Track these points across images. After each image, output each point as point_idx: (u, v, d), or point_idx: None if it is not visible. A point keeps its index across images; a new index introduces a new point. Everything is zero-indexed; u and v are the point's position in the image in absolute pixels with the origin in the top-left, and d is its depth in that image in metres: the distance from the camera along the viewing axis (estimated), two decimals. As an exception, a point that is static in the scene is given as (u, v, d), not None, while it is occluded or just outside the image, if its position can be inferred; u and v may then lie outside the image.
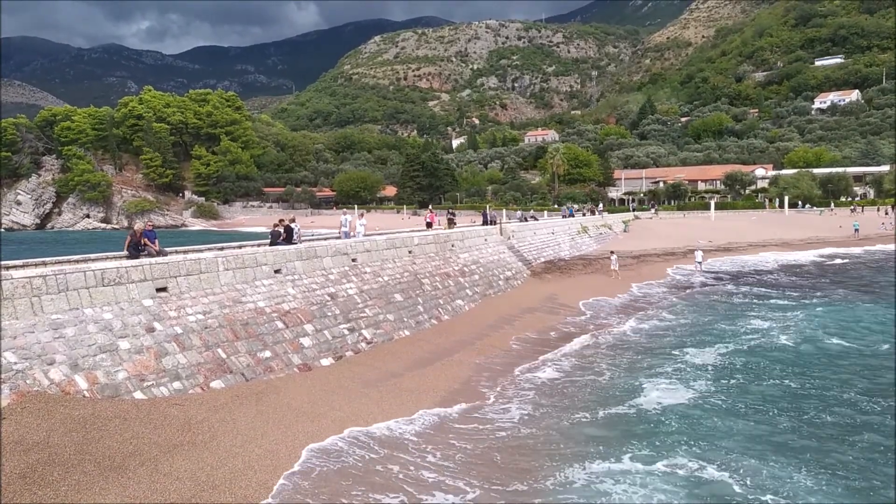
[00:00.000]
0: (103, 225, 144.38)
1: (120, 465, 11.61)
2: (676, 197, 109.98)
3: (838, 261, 50.13)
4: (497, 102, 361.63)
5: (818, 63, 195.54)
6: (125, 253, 20.38)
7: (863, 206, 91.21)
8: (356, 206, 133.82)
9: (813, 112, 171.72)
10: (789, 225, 71.55)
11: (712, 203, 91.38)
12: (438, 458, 13.88)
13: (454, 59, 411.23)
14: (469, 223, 58.15)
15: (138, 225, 21.33)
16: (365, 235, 31.34)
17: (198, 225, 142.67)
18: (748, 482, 12.56)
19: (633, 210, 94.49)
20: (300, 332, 20.06)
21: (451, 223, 42.09)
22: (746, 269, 46.65)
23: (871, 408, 16.79)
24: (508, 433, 15.48)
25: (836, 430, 15.37)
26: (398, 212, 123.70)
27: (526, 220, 59.67)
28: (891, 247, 55.60)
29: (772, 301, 33.13)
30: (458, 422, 16.32)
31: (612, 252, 44.74)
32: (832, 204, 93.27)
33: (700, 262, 44.41)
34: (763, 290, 36.92)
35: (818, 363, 21.34)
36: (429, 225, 40.85)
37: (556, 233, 51.38)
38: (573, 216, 69.60)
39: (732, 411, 16.75)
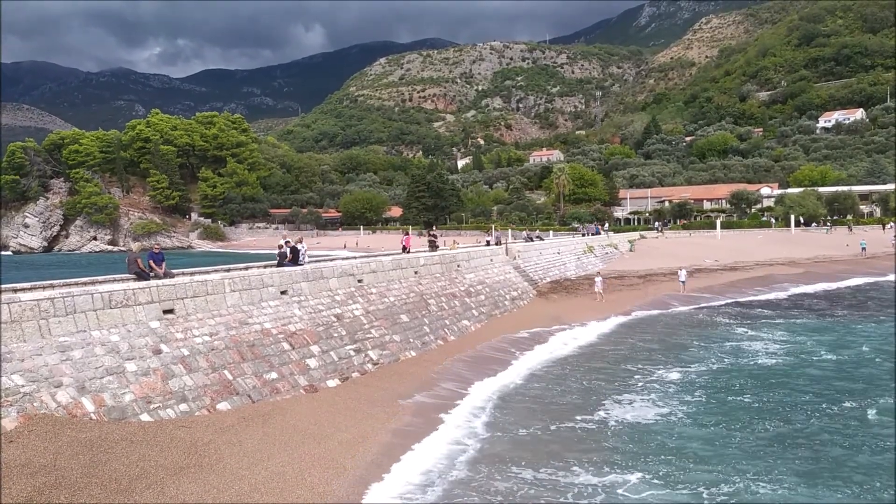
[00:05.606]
0: (110, 247, 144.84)
1: (127, 487, 11.60)
2: (682, 216, 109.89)
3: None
4: (502, 123, 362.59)
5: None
6: (131, 275, 20.48)
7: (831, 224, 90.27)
8: (361, 227, 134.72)
9: (818, 131, 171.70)
10: (796, 243, 71.29)
11: (718, 222, 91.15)
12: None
13: (459, 81, 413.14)
14: (474, 243, 58.25)
15: (135, 246, 21.45)
16: (309, 260, 27.34)
17: (204, 246, 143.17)
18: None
19: (661, 229, 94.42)
20: (306, 353, 20.06)
21: (432, 246, 38.56)
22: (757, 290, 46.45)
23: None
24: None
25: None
26: (406, 233, 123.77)
27: (532, 239, 59.74)
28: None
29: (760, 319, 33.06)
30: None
31: (597, 273, 44.09)
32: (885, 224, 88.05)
33: (684, 282, 43.56)
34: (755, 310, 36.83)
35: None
36: (404, 248, 36.00)
37: (561, 253, 51.35)
38: (598, 234, 69.58)
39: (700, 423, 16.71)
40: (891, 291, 43.72)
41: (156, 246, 24.55)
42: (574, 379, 22.42)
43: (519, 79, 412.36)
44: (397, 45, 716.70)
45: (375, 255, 33.77)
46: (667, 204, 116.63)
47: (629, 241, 69.78)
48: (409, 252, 35.02)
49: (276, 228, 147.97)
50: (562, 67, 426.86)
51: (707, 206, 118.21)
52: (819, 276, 51.02)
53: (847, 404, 18.79)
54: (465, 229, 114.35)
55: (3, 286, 17.46)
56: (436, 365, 23.11)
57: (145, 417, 14.49)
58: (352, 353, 21.64)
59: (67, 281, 19.97)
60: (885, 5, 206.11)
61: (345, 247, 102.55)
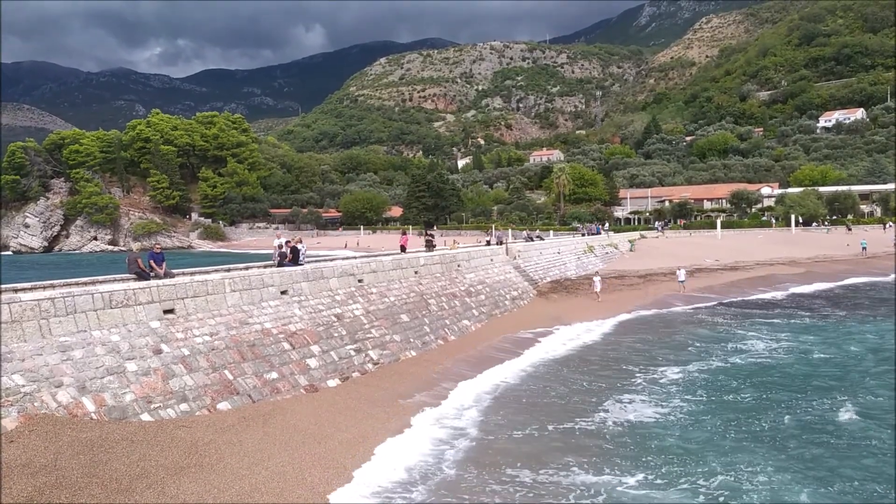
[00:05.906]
0: (111, 247, 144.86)
1: (127, 487, 11.60)
2: (682, 216, 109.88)
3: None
4: (502, 123, 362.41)
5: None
6: (132, 275, 20.48)
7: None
8: (361, 227, 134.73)
9: (818, 130, 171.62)
10: (796, 243, 71.29)
11: (718, 222, 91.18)
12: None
13: (459, 80, 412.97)
14: (474, 243, 58.25)
15: (135, 245, 21.49)
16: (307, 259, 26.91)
17: (204, 246, 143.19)
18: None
19: (661, 229, 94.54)
20: (307, 353, 20.05)
21: (429, 246, 38.19)
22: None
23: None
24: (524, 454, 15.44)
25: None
26: (403, 233, 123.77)
27: (532, 239, 59.71)
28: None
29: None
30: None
31: (596, 273, 44.06)
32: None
33: (683, 282, 43.38)
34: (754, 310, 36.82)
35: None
36: (402, 249, 35.54)
37: (562, 252, 51.34)
38: (599, 234, 69.88)
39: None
40: (889, 291, 43.73)
41: (156, 246, 24.57)
42: (573, 379, 22.42)
43: (519, 79, 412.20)
44: (397, 45, 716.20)
45: (376, 255, 33.78)
46: (667, 204, 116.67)
47: (629, 241, 69.78)
48: (406, 252, 34.90)
49: (276, 228, 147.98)
50: (562, 67, 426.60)
51: (707, 205, 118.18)
52: (819, 276, 50.99)
53: (845, 403, 18.78)
54: (466, 229, 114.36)
55: (3, 286, 17.48)
56: (436, 365, 23.12)
57: (146, 417, 14.49)
58: (352, 352, 21.63)
59: (68, 281, 19.97)
60: (885, 5, 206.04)
61: (345, 247, 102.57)
